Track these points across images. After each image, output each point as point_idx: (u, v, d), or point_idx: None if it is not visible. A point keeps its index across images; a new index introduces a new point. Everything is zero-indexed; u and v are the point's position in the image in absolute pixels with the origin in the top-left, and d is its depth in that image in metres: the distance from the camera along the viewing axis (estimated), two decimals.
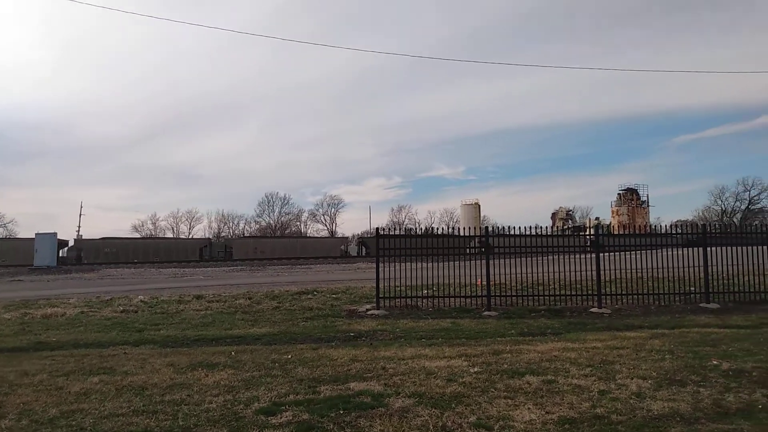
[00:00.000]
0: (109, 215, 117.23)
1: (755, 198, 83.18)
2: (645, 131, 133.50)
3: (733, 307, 12.78)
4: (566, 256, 14.24)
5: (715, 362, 6.57)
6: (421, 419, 4.69)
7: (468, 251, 14.14)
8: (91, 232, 78.66)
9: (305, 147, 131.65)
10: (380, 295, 13.14)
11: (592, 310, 12.65)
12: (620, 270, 14.02)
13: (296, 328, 10.89)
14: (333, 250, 55.50)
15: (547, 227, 15.47)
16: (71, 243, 52.06)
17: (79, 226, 69.98)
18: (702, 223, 23.23)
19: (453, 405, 5.09)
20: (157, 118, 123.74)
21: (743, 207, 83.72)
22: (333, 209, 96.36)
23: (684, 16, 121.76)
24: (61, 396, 5.75)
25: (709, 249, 13.91)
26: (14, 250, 46.64)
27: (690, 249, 14.08)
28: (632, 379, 5.89)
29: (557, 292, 13.63)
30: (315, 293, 15.88)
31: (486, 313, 12.42)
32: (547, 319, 11.64)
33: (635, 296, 13.47)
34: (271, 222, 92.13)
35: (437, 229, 16.55)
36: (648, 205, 73.16)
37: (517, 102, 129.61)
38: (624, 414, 4.71)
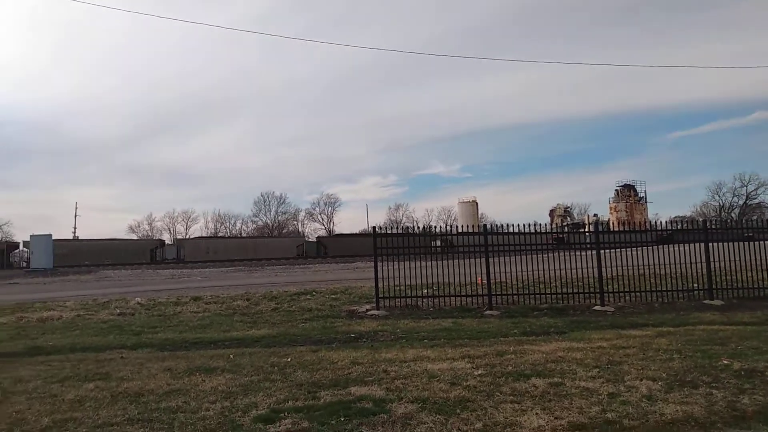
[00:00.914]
0: (104, 216, 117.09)
1: (753, 193, 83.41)
2: (641, 127, 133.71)
3: (738, 304, 12.65)
4: (567, 254, 14.09)
5: (725, 362, 6.41)
6: (425, 426, 4.53)
7: (463, 250, 13.87)
8: (86, 233, 78.30)
9: (299, 144, 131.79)
10: (380, 295, 12.98)
11: (595, 308, 12.51)
12: (622, 267, 13.88)
13: (295, 329, 10.74)
14: (289, 250, 54.15)
15: (545, 224, 15.30)
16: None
17: (75, 228, 69.82)
18: (702, 218, 23.11)
19: (458, 411, 4.92)
20: (148, 116, 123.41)
21: (741, 202, 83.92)
22: (330, 208, 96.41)
23: (679, 12, 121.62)
24: (54, 404, 5.58)
25: (711, 245, 13.79)
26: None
27: (691, 245, 13.93)
28: (642, 380, 5.72)
29: (559, 291, 13.47)
30: (314, 294, 15.72)
31: (487, 312, 12.27)
32: (550, 317, 11.49)
33: (638, 293, 13.33)
34: (268, 221, 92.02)
35: (435, 227, 16.37)
36: (646, 201, 73.13)
37: (512, 98, 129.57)
38: (636, 419, 4.55)
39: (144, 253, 51.73)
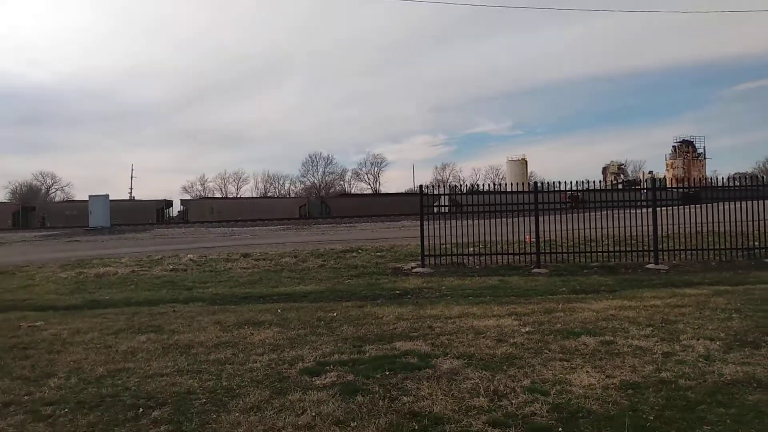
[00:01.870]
0: (159, 177, 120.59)
1: None
2: (703, 80, 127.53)
3: None
4: (619, 212, 13.61)
5: None
6: (471, 382, 4.45)
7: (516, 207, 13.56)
8: (142, 193, 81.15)
9: (347, 105, 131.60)
10: (425, 253, 12.89)
11: (648, 266, 12.10)
12: (677, 225, 13.34)
13: (341, 285, 10.81)
14: (291, 210, 54.02)
15: (598, 181, 14.79)
16: None
17: (131, 188, 72.30)
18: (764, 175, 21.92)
19: (504, 367, 4.83)
20: (201, 80, 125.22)
21: None
22: (376, 168, 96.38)
23: None
24: (109, 354, 5.78)
25: None
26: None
27: (752, 202, 13.22)
28: (698, 339, 5.48)
29: (610, 249, 13.08)
30: (360, 251, 15.79)
31: (535, 270, 12.04)
32: (600, 276, 11.19)
33: (694, 252, 12.79)
34: (315, 182, 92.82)
35: (483, 186, 16.07)
36: (705, 158, 70.04)
37: (565, 53, 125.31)
38: (693, 379, 4.35)
39: (151, 212, 52.58)
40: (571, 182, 13.05)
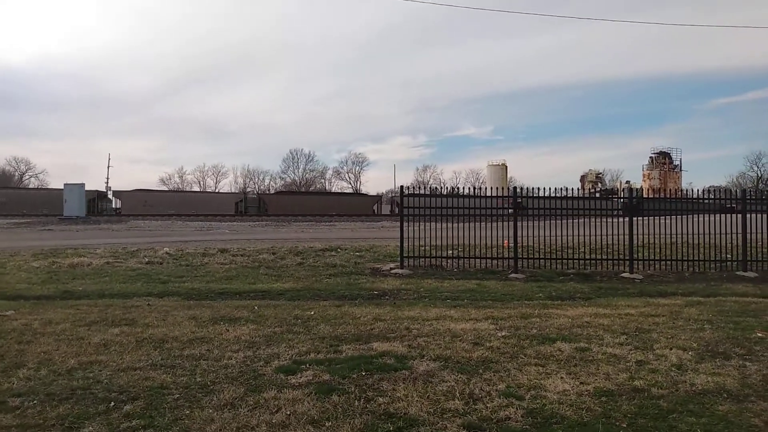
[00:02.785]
0: (136, 167, 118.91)
1: None
2: (681, 93, 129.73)
3: None
4: (596, 220, 13.78)
5: (759, 334, 6.19)
6: (447, 385, 4.46)
7: (494, 212, 13.65)
8: (119, 183, 79.76)
9: (330, 102, 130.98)
10: (404, 255, 12.91)
11: (623, 275, 12.28)
12: (652, 235, 13.55)
13: (319, 284, 10.78)
14: (226, 206, 53.06)
15: (576, 189, 14.94)
16: None
17: (107, 178, 71.04)
18: (741, 188, 22.39)
19: (480, 371, 4.85)
20: (182, 70, 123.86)
21: None
22: (357, 167, 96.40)
23: None
24: (81, 346, 5.67)
25: (748, 215, 13.33)
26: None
27: (726, 215, 13.49)
28: (671, 349, 5.56)
29: (587, 256, 13.23)
30: (339, 250, 15.75)
31: (512, 275, 12.14)
32: (576, 283, 11.32)
33: (668, 262, 13.01)
34: (296, 178, 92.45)
35: (462, 189, 16.15)
36: (681, 170, 71.20)
37: (548, 59, 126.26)
38: (665, 387, 4.41)
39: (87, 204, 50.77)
40: (550, 188, 13.19)
